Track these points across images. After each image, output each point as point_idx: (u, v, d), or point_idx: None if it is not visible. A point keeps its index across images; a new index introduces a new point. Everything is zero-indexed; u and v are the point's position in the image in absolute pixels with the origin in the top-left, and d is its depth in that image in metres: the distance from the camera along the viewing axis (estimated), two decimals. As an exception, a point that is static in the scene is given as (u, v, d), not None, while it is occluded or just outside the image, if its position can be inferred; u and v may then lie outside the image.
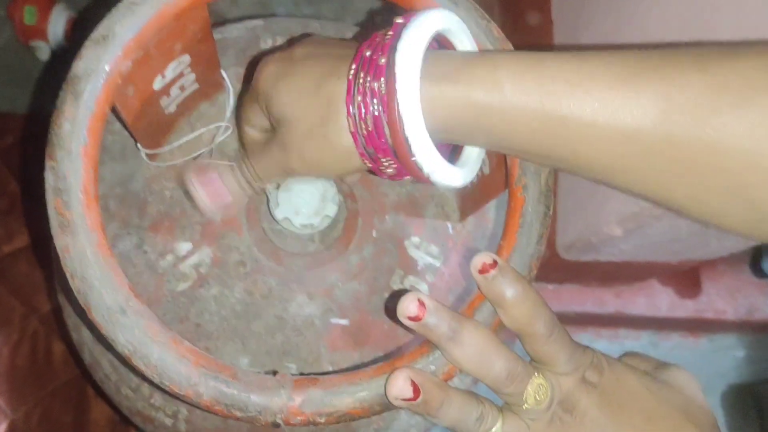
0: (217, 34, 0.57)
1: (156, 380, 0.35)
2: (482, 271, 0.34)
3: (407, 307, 0.33)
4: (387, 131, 0.35)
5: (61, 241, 0.35)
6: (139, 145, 0.50)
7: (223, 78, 0.53)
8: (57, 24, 1.10)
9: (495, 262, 0.34)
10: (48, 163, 0.36)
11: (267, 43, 0.58)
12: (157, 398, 0.53)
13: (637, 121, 0.31)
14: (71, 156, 0.36)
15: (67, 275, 0.35)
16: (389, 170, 0.38)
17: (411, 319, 0.34)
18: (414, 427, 0.56)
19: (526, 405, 0.35)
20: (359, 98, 0.35)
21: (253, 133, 0.44)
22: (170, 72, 0.46)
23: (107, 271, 0.35)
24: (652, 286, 1.13)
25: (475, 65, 0.34)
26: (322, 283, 0.53)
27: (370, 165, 0.38)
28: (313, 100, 0.37)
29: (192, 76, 0.49)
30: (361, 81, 0.35)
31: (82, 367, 0.89)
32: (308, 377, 0.36)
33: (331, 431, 0.54)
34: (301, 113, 0.38)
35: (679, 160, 0.31)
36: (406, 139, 0.34)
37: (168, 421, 0.53)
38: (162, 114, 0.50)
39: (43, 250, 1.02)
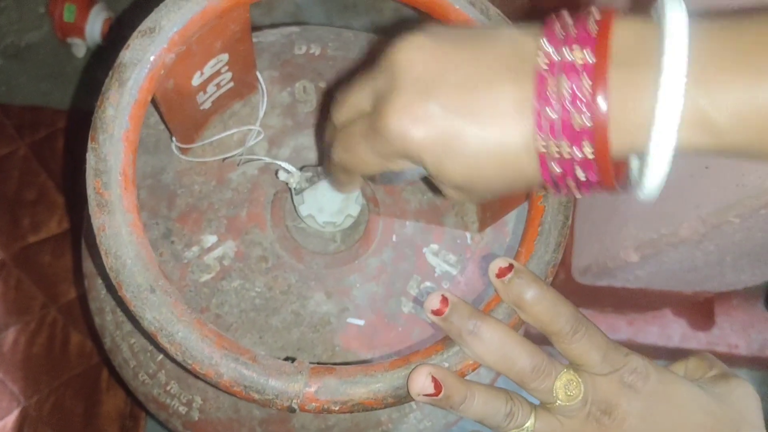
0: (254, 38, 0.59)
1: (179, 358, 0.36)
2: (499, 275, 0.36)
3: (431, 301, 0.35)
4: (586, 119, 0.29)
5: (98, 220, 0.37)
6: (173, 138, 0.52)
7: (258, 79, 0.55)
8: (95, 23, 1.13)
9: (511, 266, 0.35)
10: (90, 145, 0.38)
11: (301, 49, 0.60)
12: (173, 386, 0.54)
13: None
14: (113, 139, 0.38)
15: (102, 253, 0.37)
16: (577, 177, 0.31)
17: (434, 312, 0.35)
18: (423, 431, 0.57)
19: (558, 401, 0.35)
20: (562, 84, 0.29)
21: (349, 116, 0.37)
22: (209, 69, 0.48)
23: (140, 251, 0.37)
24: (666, 316, 1.13)
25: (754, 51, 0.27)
26: (341, 283, 0.54)
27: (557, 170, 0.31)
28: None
29: (228, 75, 0.51)
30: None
31: (102, 354, 0.91)
32: (325, 366, 0.37)
33: (340, 431, 0.55)
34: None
35: None
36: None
37: (182, 409, 0.55)
38: (197, 110, 0.52)
39: (70, 237, 1.04)
